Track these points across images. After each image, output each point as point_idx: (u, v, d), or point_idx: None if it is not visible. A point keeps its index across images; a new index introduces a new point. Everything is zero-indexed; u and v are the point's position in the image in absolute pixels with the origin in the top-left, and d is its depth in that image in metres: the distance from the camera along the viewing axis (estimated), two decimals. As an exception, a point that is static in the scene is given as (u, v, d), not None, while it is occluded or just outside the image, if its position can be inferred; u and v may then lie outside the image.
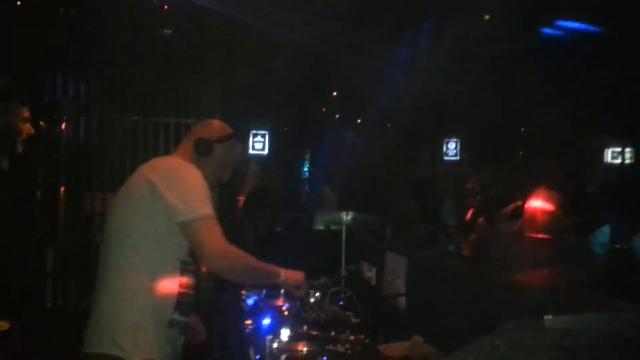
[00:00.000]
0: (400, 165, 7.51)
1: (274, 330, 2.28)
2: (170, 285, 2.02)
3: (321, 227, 3.59)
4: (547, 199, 2.38)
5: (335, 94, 8.29)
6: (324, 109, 8.81)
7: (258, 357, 2.21)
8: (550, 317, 0.94)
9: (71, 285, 4.87)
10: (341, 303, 2.81)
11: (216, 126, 2.29)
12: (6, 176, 2.92)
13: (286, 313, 2.64)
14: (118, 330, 1.92)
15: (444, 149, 8.80)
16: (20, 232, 3.13)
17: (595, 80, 5.70)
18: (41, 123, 4.28)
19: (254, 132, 7.78)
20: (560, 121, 6.43)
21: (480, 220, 4.51)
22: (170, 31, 5.23)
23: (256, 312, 2.67)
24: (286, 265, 2.28)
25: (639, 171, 7.25)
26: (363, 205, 4.63)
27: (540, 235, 2.41)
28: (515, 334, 0.90)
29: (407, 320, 2.47)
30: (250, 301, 2.87)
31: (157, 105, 5.29)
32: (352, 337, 2.19)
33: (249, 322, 2.57)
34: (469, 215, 5.31)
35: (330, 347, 2.13)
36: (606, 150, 8.03)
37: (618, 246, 3.36)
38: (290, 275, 2.24)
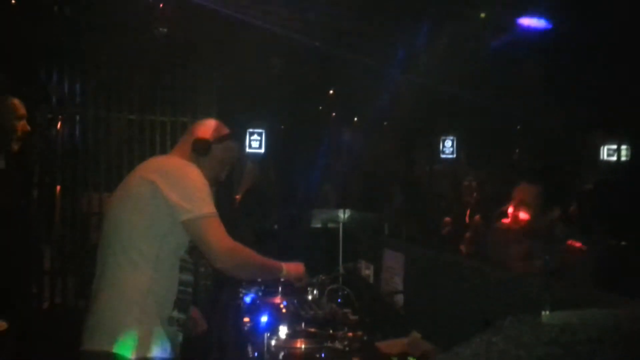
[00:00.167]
0: (397, 163, 7.52)
1: (272, 328, 2.29)
2: (170, 283, 2.04)
3: (319, 225, 3.59)
4: (528, 193, 2.39)
5: (331, 92, 8.28)
6: (320, 107, 8.80)
7: (256, 354, 2.22)
8: (548, 313, 0.95)
9: (69, 284, 4.86)
10: (339, 300, 2.82)
11: (214, 126, 2.31)
12: (3, 175, 2.91)
13: (284, 310, 2.65)
14: (118, 327, 1.93)
15: (441, 147, 8.80)
16: (17, 231, 3.12)
17: (590, 77, 5.71)
18: (37, 121, 4.28)
19: (251, 130, 7.77)
20: (556, 118, 6.45)
21: (477, 217, 4.52)
22: (165, 29, 5.21)
23: (254, 310, 2.68)
24: (284, 263, 2.33)
25: (635, 168, 7.27)
26: (361, 203, 4.64)
27: (518, 223, 2.42)
28: (513, 330, 0.91)
29: (405, 317, 2.48)
30: (247, 299, 2.88)
31: (153, 103, 5.28)
32: (350, 334, 2.20)
33: (246, 319, 2.58)
34: (467, 213, 5.32)
35: (328, 344, 2.13)
36: (602, 147, 8.05)
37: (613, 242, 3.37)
38: (292, 269, 2.33)
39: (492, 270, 2.01)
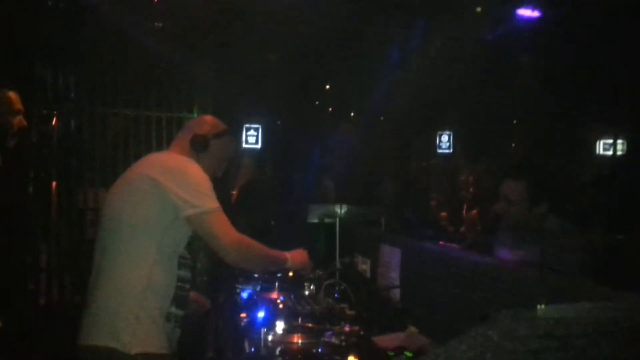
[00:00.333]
0: (394, 158, 7.51)
1: (269, 323, 2.30)
2: (169, 279, 2.04)
3: (315, 220, 3.59)
4: (512, 190, 2.39)
5: (328, 87, 8.26)
6: (317, 102, 8.78)
7: (253, 350, 2.21)
8: (543, 306, 0.95)
9: (65, 281, 4.85)
10: (336, 296, 2.83)
11: (211, 122, 2.34)
12: (0, 172, 2.89)
13: (281, 306, 2.65)
14: (116, 322, 1.93)
15: (437, 141, 8.81)
16: (13, 227, 3.11)
17: (586, 71, 5.72)
18: (33, 117, 4.26)
19: (247, 125, 7.75)
20: (552, 113, 6.46)
21: (474, 212, 4.54)
22: (161, 24, 5.20)
23: (251, 305, 2.68)
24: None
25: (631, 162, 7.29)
26: (358, 197, 4.64)
27: (506, 220, 2.42)
28: (508, 324, 0.91)
29: (401, 311, 2.48)
30: (244, 294, 2.88)
31: (149, 99, 5.27)
32: (346, 329, 2.21)
33: (243, 315, 2.58)
34: (464, 208, 5.34)
35: (325, 339, 2.14)
36: (598, 141, 8.06)
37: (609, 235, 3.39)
38: (296, 258, 2.36)
39: (489, 265, 2.01)
